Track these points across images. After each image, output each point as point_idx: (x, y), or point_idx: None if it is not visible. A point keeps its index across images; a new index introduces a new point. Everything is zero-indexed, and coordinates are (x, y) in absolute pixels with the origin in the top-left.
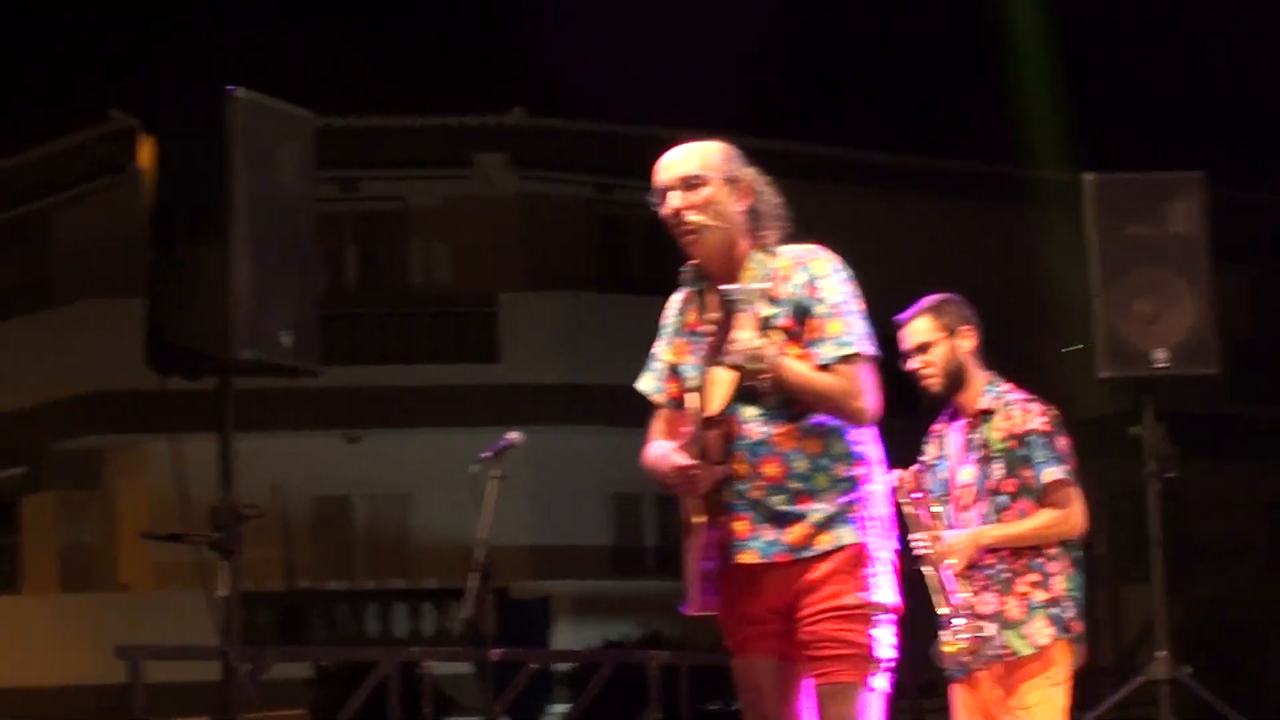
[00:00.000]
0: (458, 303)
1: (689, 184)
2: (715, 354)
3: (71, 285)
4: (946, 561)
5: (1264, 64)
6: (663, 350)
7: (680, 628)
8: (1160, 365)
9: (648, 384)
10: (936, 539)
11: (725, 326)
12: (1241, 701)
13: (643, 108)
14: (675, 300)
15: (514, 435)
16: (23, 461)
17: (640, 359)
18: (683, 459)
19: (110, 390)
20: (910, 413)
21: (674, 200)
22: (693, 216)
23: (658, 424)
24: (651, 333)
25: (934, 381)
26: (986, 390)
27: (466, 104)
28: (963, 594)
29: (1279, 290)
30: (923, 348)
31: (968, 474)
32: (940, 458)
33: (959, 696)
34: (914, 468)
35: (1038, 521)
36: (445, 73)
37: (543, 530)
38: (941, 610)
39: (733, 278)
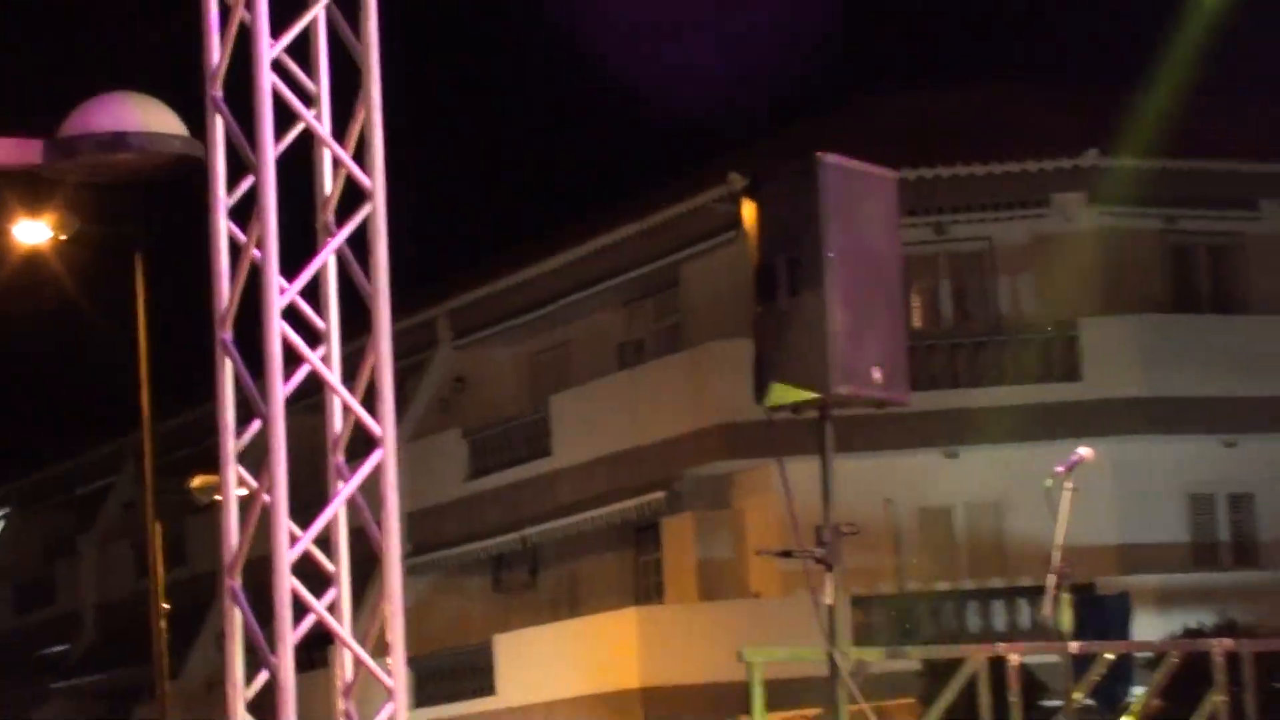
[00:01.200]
0: (1042, 329)
1: None
2: None
3: (699, 330)
4: None
5: None
6: None
7: (1254, 615)
8: None
9: None
10: None
11: None
12: None
13: (1204, 143)
14: None
15: (1084, 451)
16: (662, 487)
17: (1212, 372)
18: None
19: (735, 421)
20: None
21: None
22: None
23: None
24: (1221, 349)
25: None
26: None
27: (1043, 149)
28: None
29: None
30: None
31: None
32: None
33: None
34: None
35: None
36: (1022, 121)
37: (1125, 529)
38: None
39: None
